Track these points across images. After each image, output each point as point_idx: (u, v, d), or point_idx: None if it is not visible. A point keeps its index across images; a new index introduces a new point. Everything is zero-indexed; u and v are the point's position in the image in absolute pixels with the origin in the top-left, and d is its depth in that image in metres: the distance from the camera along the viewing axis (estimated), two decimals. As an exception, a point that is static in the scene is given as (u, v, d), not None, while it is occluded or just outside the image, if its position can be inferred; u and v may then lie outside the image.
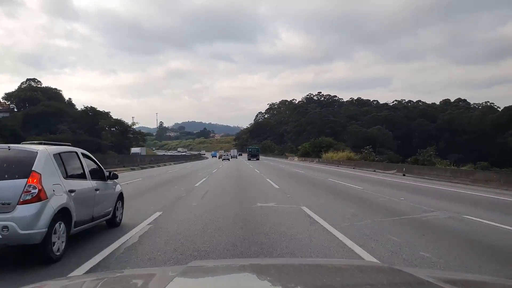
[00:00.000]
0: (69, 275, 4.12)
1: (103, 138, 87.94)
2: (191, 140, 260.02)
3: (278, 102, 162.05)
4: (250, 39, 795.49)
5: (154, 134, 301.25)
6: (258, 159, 71.38)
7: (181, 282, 1.62)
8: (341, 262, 3.76)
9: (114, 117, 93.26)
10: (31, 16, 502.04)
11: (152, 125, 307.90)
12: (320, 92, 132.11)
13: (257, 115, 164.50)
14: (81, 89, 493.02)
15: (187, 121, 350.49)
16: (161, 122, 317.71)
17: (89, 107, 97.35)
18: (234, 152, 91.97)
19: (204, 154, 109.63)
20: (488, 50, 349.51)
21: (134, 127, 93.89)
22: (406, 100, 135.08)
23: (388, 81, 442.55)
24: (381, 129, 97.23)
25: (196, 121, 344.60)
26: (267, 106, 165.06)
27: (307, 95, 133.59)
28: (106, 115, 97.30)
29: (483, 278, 2.68)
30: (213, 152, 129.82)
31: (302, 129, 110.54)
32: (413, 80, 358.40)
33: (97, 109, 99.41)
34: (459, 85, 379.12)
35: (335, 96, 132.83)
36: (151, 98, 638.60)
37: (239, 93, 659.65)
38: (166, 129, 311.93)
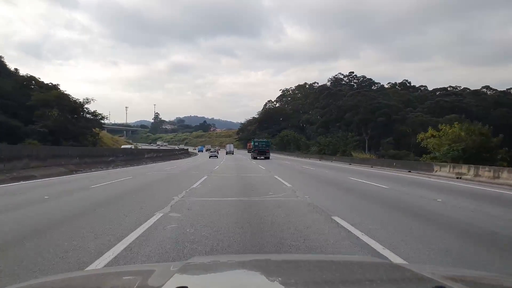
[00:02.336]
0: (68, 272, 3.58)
1: (35, 121, 55.71)
2: (187, 134, 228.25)
3: (293, 87, 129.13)
4: (254, 33, 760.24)
5: (149, 126, 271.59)
6: (268, 158, 48.25)
7: (181, 278, 1.58)
8: (341, 258, 3.37)
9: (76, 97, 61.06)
10: (30, 3, 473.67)
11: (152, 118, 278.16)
12: (353, 73, 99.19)
13: (265, 104, 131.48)
14: (82, 81, 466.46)
15: (188, 115, 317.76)
16: (157, 113, 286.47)
17: (27, 76, 64.46)
18: (230, 147, 76.04)
19: (181, 151, 66.02)
20: (498, 50, 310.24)
21: (130, 121, 59.80)
22: (461, 87, 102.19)
23: (394, 79, 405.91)
24: (459, 119, 64.50)
25: (198, 115, 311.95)
26: (280, 93, 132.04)
27: (335, 75, 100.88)
28: (51, 88, 64.35)
29: (483, 274, 2.59)
30: (199, 147, 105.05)
31: (333, 117, 78.02)
32: (420, 79, 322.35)
33: (40, 79, 66.43)
34: (467, 85, 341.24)
35: (371, 79, 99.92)
36: (153, 92, 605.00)
37: (242, 90, 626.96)
38: (163, 122, 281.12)
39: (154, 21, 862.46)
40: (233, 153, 70.67)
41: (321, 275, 1.81)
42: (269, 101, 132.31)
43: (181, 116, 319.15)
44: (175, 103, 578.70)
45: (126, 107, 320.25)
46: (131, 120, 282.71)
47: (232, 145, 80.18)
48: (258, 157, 47.18)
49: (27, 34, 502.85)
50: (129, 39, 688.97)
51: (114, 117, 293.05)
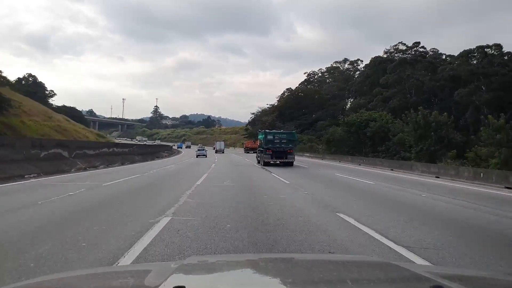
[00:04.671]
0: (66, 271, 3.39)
1: None
2: (187, 129, 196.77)
3: (324, 69, 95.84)
4: (263, 31, 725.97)
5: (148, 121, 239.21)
6: (291, 164, 25.88)
7: (178, 278, 1.54)
8: (338, 257, 3.30)
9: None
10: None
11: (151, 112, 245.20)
12: (419, 44, 65.13)
13: (283, 93, 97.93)
14: (89, 76, 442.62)
15: (195, 113, 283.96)
16: (156, 106, 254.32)
17: None
18: (220, 145, 68.18)
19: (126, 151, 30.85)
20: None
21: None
22: None
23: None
24: None
25: (205, 114, 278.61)
26: (305, 77, 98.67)
27: (395, 45, 66.79)
28: None
29: (481, 273, 2.54)
30: (179, 143, 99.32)
31: (413, 100, 45.25)
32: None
33: None
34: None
35: (445, 53, 65.32)
36: (160, 89, 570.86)
37: (250, 90, 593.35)
38: (162, 116, 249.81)
39: (160, 15, 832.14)
40: (223, 152, 64.26)
41: (319, 275, 1.78)
42: (288, 89, 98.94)
43: (187, 114, 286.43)
44: (182, 102, 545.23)
45: (123, 99, 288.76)
46: (136, 116, 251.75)
47: (222, 143, 71.81)
48: (272, 161, 26.03)
49: (32, 27, 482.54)
50: (135, 35, 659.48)
51: (118, 113, 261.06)
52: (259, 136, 29.58)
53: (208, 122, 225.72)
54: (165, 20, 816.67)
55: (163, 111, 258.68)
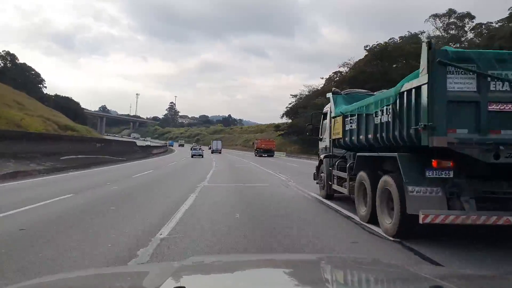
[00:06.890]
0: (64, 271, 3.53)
1: None
2: (203, 128, 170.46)
3: (397, 38, 63.92)
4: (287, 33, 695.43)
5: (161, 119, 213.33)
6: None
7: (179, 279, 1.55)
8: (338, 257, 3.25)
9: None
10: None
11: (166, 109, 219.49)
12: None
13: (330, 78, 66.50)
14: (113, 76, 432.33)
15: (216, 114, 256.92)
16: (171, 103, 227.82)
17: None
18: (217, 144, 67.21)
19: None
20: None
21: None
22: None
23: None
24: None
25: (226, 115, 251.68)
26: (364, 53, 66.87)
27: None
28: None
29: (482, 274, 2.53)
30: (170, 141, 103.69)
31: None
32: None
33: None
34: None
35: None
36: (182, 90, 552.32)
37: (272, 93, 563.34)
38: (178, 114, 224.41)
39: (183, 15, 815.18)
40: (220, 152, 61.54)
41: (318, 274, 1.79)
42: (336, 72, 67.15)
43: (209, 115, 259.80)
44: (204, 104, 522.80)
45: (137, 94, 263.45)
46: (153, 115, 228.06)
47: (219, 142, 70.08)
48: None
49: (56, 26, 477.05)
50: (159, 35, 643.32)
51: (138, 112, 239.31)
52: (337, 108, 8.19)
53: (228, 121, 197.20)
54: (188, 20, 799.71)
55: (185, 112, 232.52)
